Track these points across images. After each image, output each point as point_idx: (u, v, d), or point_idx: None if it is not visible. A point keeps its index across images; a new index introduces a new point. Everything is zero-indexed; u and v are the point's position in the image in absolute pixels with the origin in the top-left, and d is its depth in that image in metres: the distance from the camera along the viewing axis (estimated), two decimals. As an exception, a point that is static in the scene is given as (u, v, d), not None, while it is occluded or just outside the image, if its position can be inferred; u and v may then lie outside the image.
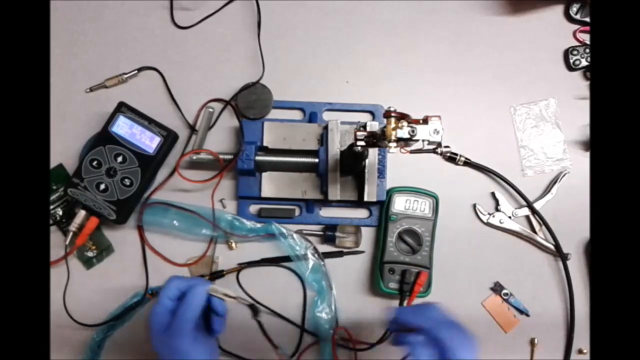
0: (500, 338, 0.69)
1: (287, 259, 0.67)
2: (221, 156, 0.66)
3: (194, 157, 0.66)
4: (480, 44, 0.73)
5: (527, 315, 0.69)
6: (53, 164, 0.68)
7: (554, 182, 0.70)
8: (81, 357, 0.66)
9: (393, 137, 0.49)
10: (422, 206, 0.67)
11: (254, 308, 0.58)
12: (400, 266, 0.65)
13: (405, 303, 0.63)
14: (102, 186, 0.64)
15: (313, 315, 0.66)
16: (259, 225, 0.67)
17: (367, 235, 0.70)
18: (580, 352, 0.69)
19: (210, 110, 0.68)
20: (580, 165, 0.71)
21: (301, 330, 0.67)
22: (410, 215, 0.67)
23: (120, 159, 0.65)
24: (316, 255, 0.67)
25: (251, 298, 0.67)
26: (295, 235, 0.68)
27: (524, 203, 0.70)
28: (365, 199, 0.65)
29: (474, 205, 0.70)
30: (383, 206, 0.68)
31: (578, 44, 0.73)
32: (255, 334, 0.66)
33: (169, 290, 0.53)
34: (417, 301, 0.64)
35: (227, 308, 0.55)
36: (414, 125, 0.49)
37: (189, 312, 0.51)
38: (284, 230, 0.67)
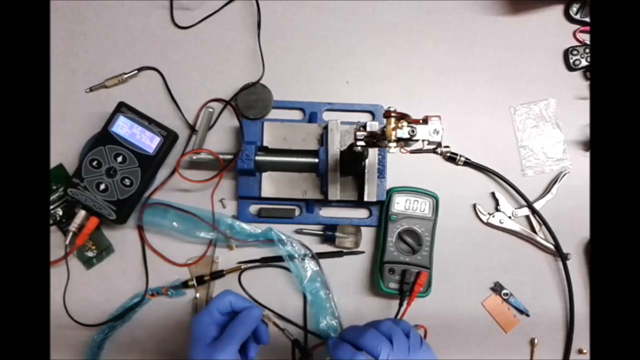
0: (500, 338, 0.69)
1: (287, 259, 0.68)
2: (221, 156, 0.66)
3: (194, 157, 0.66)
4: (480, 44, 0.73)
5: (527, 315, 0.69)
6: (53, 164, 0.68)
7: (554, 182, 0.70)
8: (81, 357, 0.66)
9: (393, 137, 0.49)
10: (422, 206, 0.67)
11: (302, 347, 0.59)
12: (400, 266, 0.65)
13: (405, 303, 0.63)
14: (102, 186, 0.64)
15: (317, 328, 0.66)
16: (258, 230, 0.67)
17: (367, 235, 0.70)
18: (580, 352, 0.69)
19: (210, 110, 0.68)
20: (580, 165, 0.71)
21: (305, 332, 0.67)
22: (410, 215, 0.66)
23: (120, 159, 0.65)
24: (314, 262, 0.67)
25: (251, 297, 0.67)
26: (294, 242, 0.67)
27: (524, 203, 0.70)
28: (365, 199, 0.65)
29: (474, 205, 0.70)
30: (383, 206, 0.68)
31: (578, 44, 0.73)
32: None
33: (221, 303, 0.52)
34: (416, 301, 0.64)
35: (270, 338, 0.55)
36: (414, 125, 0.49)
37: (243, 330, 0.51)
38: (283, 237, 0.67)
